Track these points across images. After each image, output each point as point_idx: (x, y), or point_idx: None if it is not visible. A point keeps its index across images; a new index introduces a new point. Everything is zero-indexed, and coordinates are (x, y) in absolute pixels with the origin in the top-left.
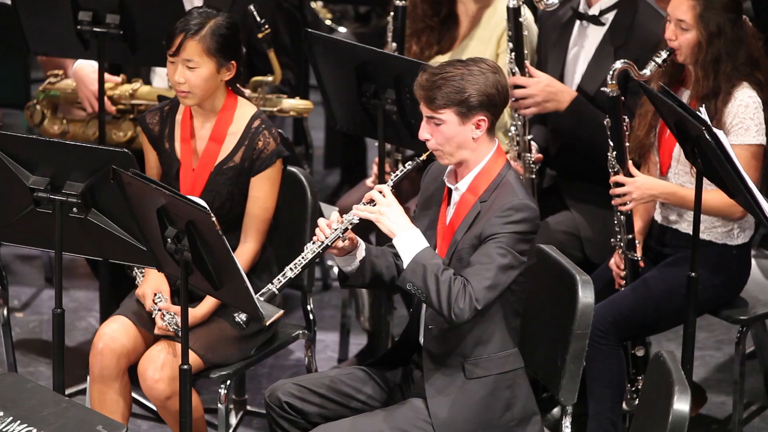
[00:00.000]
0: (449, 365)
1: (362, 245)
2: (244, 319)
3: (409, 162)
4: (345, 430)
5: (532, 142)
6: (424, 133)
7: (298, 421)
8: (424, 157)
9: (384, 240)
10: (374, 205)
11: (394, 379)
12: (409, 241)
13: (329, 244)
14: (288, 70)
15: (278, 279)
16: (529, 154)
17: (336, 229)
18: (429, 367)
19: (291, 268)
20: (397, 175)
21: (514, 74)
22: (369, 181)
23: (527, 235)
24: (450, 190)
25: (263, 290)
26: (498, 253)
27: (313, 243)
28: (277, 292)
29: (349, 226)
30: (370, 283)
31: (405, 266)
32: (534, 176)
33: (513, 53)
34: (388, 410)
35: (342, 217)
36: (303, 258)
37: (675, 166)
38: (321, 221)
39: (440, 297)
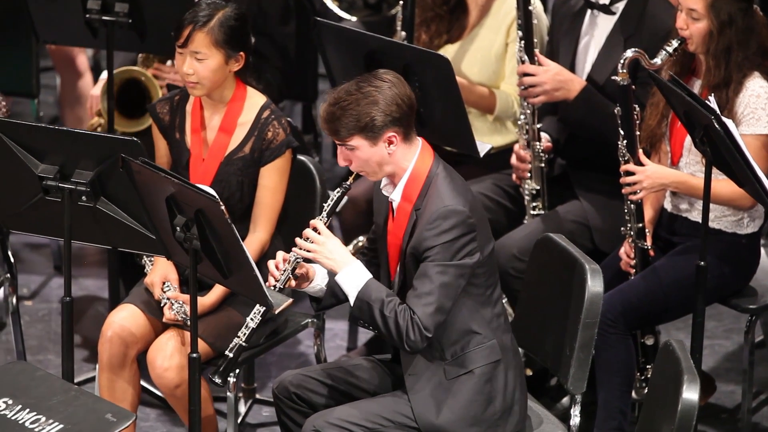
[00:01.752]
0: (428, 368)
1: (320, 273)
2: (219, 381)
3: (338, 189)
4: (342, 415)
5: (542, 132)
6: (341, 160)
7: (306, 411)
8: (351, 180)
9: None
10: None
11: (401, 369)
12: (350, 277)
13: (281, 286)
14: (275, 69)
15: (242, 332)
16: (538, 143)
17: (285, 270)
18: (409, 371)
19: (251, 319)
20: (329, 204)
21: (523, 62)
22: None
23: (463, 238)
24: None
25: (282, 297)
26: (436, 272)
27: (267, 287)
28: (245, 344)
29: (296, 265)
30: (346, 300)
31: (351, 304)
32: (543, 165)
33: (522, 42)
34: (386, 396)
35: (287, 255)
36: (254, 315)
37: (686, 155)
38: (270, 264)
39: (390, 332)
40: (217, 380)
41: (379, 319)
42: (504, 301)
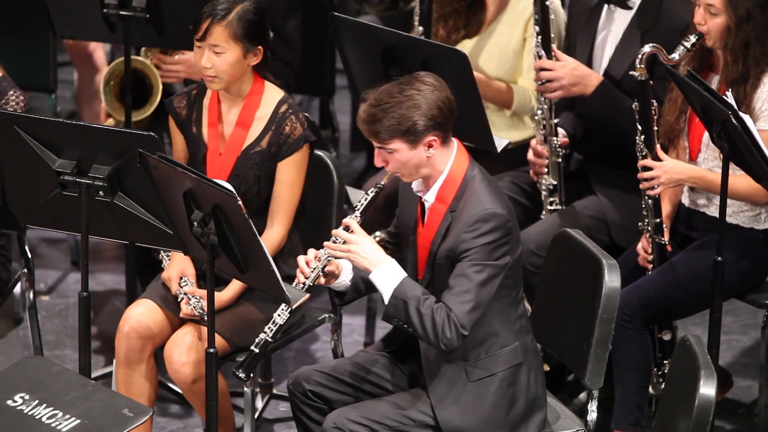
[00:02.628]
0: (450, 370)
1: (347, 268)
2: (243, 376)
3: (372, 189)
4: (363, 412)
5: (559, 128)
6: (379, 161)
7: (321, 407)
8: (385, 180)
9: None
10: (344, 242)
11: (418, 365)
12: (385, 275)
13: (311, 284)
14: (287, 66)
15: (269, 327)
16: (555, 138)
17: (315, 268)
18: (430, 373)
19: (279, 314)
20: (362, 203)
21: (540, 58)
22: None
23: (500, 241)
24: (423, 201)
25: (299, 292)
26: (474, 271)
27: (295, 285)
28: (270, 340)
29: (326, 263)
30: (368, 293)
31: (386, 302)
32: (560, 160)
33: (539, 37)
34: (407, 394)
35: (318, 253)
36: (281, 313)
37: (704, 151)
38: (300, 259)
39: (426, 330)
40: (241, 374)
41: (415, 317)
42: None
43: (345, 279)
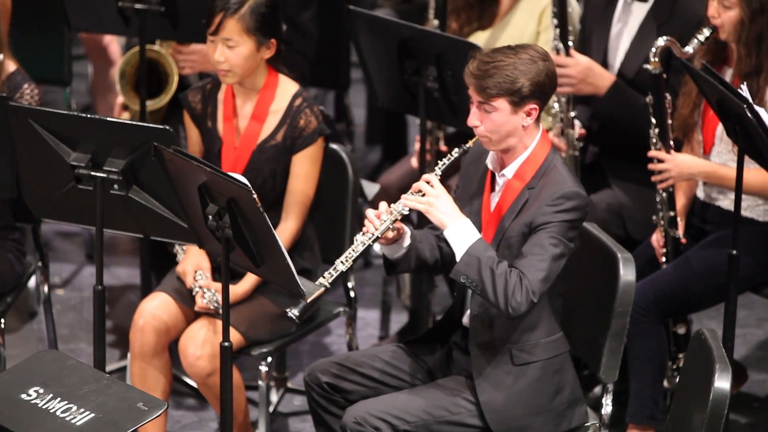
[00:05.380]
0: (496, 351)
1: (408, 232)
2: (297, 314)
3: (456, 149)
4: (385, 406)
5: (575, 120)
6: (474, 119)
7: (338, 399)
8: (470, 143)
9: (424, 222)
10: (423, 195)
11: (434, 358)
12: (460, 233)
13: (379, 236)
14: (302, 57)
15: (329, 273)
16: (572, 131)
17: (385, 221)
18: (476, 353)
19: (342, 261)
20: (444, 163)
21: (558, 52)
22: (414, 162)
23: (577, 223)
24: (494, 175)
25: (314, 285)
26: (550, 243)
27: (363, 234)
28: (328, 286)
29: (399, 217)
30: (415, 269)
31: (458, 258)
32: (577, 153)
33: (558, 29)
34: (429, 387)
35: (390, 207)
36: (354, 250)
37: (718, 144)
38: (369, 212)
39: (497, 291)
40: (295, 313)
41: (488, 276)
42: None
43: (403, 246)
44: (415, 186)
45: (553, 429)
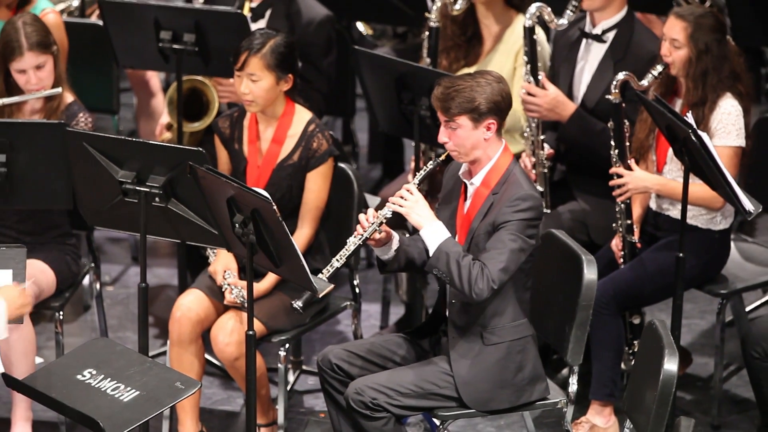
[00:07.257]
0: (470, 333)
1: (396, 237)
2: (301, 305)
3: (431, 162)
4: (380, 381)
5: (545, 143)
6: (443, 136)
7: (345, 380)
8: (443, 157)
9: (416, 232)
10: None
11: (426, 344)
12: (433, 232)
13: (368, 236)
14: (316, 92)
15: (327, 269)
16: (542, 152)
17: (373, 223)
18: (453, 335)
19: (337, 259)
20: (421, 174)
21: (529, 82)
22: (410, 178)
23: (533, 221)
24: (466, 186)
25: (325, 283)
26: (509, 238)
27: (355, 236)
28: (326, 280)
29: (384, 220)
30: (405, 268)
31: (431, 254)
32: (546, 171)
33: (528, 65)
34: (417, 366)
35: (377, 212)
36: (347, 250)
37: (669, 163)
38: (361, 216)
39: (462, 280)
40: (299, 304)
41: (454, 267)
42: None
43: (392, 249)
44: (398, 193)
45: (514, 401)
